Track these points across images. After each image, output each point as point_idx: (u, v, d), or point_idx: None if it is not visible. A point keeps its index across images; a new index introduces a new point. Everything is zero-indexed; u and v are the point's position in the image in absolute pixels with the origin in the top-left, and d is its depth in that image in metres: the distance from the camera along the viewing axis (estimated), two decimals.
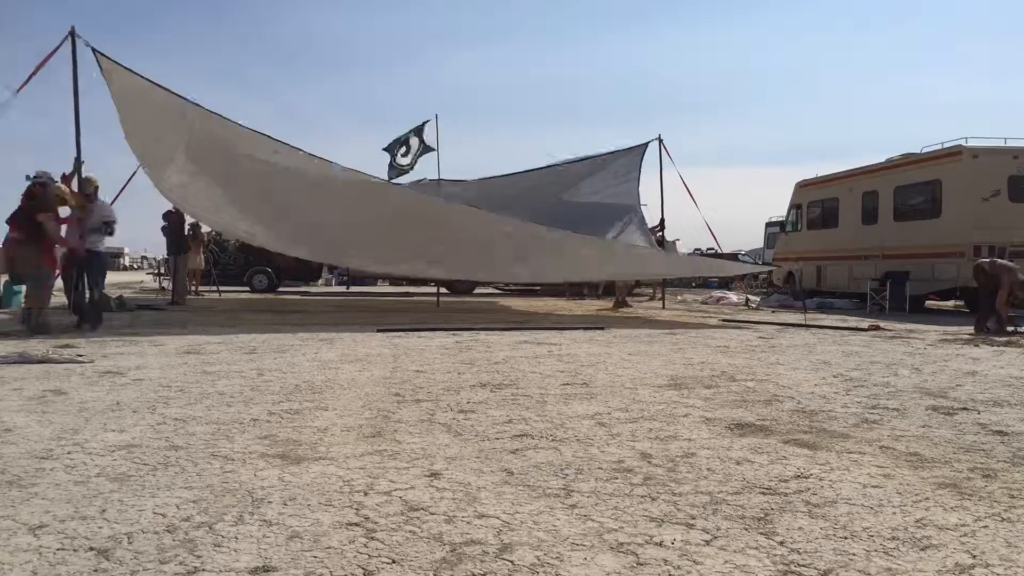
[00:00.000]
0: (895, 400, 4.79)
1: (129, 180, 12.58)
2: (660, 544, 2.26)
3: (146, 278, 33.74)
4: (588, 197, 15.18)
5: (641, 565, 2.10)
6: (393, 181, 13.81)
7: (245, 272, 21.22)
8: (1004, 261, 10.19)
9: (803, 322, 11.30)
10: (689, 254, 22.89)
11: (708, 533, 2.36)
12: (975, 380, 5.70)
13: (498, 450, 3.38)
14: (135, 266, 69.06)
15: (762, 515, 2.53)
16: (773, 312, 14.41)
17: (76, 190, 8.76)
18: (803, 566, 2.11)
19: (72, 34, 8.87)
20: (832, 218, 17.38)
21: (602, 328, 9.88)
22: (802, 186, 18.76)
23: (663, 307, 15.62)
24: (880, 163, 16.08)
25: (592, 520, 2.47)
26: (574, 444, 3.51)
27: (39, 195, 8.15)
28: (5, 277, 10.74)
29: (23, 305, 8.66)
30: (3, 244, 8.53)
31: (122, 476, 2.88)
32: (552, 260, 12.56)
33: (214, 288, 18.46)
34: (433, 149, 14.46)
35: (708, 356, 7.05)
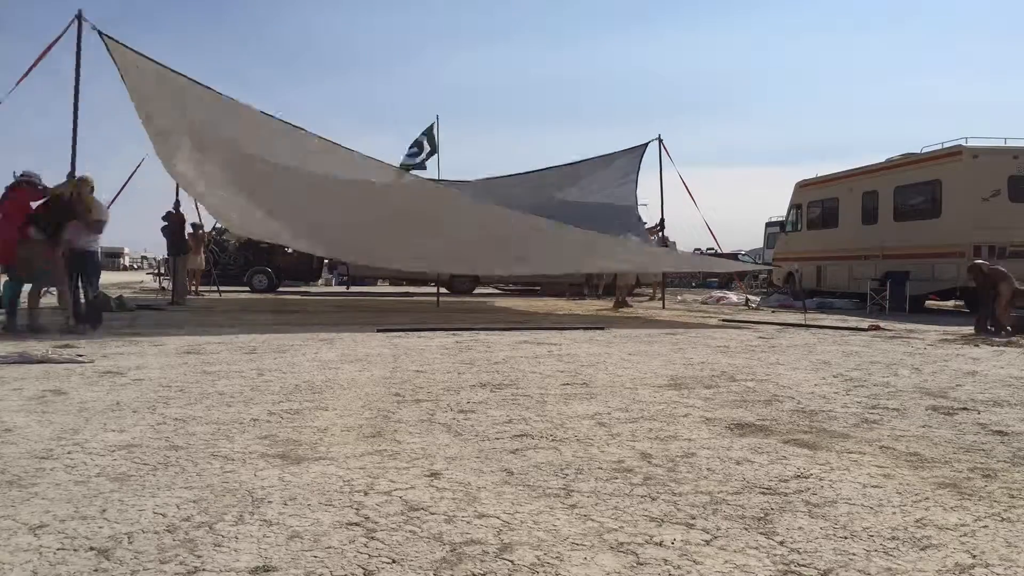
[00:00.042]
0: (895, 400, 4.79)
1: (129, 179, 12.61)
2: (660, 544, 2.26)
3: (146, 278, 33.75)
4: (588, 197, 15.20)
5: (641, 565, 2.10)
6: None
7: (245, 272, 21.21)
8: (1001, 268, 10.12)
9: (803, 322, 11.30)
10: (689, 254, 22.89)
11: (708, 533, 2.36)
12: (975, 380, 5.70)
13: (498, 450, 3.38)
14: (135, 266, 69.05)
15: (762, 515, 2.54)
16: (773, 312, 14.41)
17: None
18: (803, 566, 2.11)
19: (79, 17, 8.67)
20: (832, 218, 17.38)
21: (602, 328, 9.88)
22: (802, 186, 18.77)
23: (663, 307, 15.62)
24: (880, 163, 16.09)
25: (592, 520, 2.47)
26: (574, 444, 3.51)
27: (66, 201, 8.23)
28: (4, 277, 10.71)
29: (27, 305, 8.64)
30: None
31: (122, 476, 2.88)
32: (553, 254, 12.51)
33: (214, 288, 18.47)
34: (436, 151, 14.54)
35: (708, 356, 7.05)
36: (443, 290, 17.98)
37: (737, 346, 8.01)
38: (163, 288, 20.00)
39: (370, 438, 3.58)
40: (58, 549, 2.15)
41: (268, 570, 2.03)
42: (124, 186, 12.66)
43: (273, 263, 21.18)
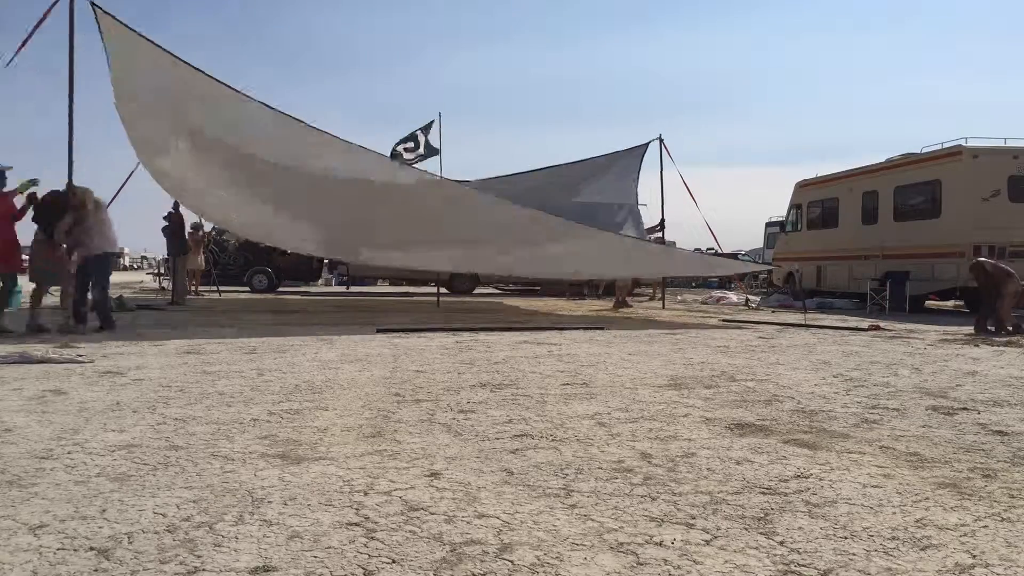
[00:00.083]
0: (895, 400, 4.79)
1: (128, 179, 12.56)
2: (660, 544, 2.26)
3: (146, 278, 33.73)
4: (589, 197, 15.20)
5: (641, 565, 2.10)
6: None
7: (245, 272, 21.21)
8: (1005, 266, 10.07)
9: (803, 322, 11.30)
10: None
11: (708, 533, 2.36)
12: (975, 380, 5.70)
13: (498, 450, 3.38)
14: (135, 266, 69.01)
15: (762, 515, 2.54)
16: (773, 312, 14.41)
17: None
18: (803, 566, 2.11)
19: None
20: (832, 218, 17.38)
21: (602, 328, 9.88)
22: (802, 186, 18.76)
23: (663, 307, 15.62)
24: (880, 163, 16.09)
25: (592, 520, 2.47)
26: (574, 444, 3.51)
27: (48, 199, 8.22)
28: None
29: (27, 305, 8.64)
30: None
31: (122, 476, 2.88)
32: (556, 252, 12.44)
33: (214, 288, 18.47)
34: (438, 151, 14.48)
35: (708, 356, 7.05)
36: (443, 290, 17.97)
37: (737, 346, 8.01)
38: (163, 288, 19.99)
39: (370, 438, 3.58)
40: (58, 549, 2.15)
41: (268, 570, 2.03)
42: (123, 185, 12.60)
43: (273, 263, 21.18)
